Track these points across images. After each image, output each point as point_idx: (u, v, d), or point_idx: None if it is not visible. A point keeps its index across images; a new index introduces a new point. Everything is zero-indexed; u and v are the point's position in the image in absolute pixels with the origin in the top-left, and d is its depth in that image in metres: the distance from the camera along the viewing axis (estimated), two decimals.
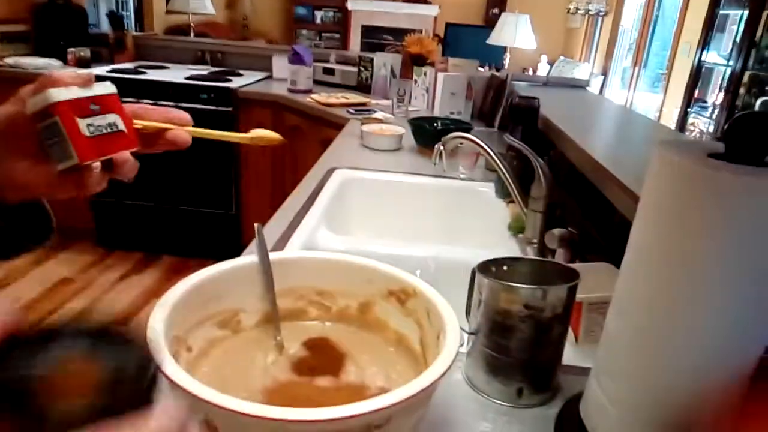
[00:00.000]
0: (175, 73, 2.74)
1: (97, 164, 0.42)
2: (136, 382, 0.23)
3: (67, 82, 0.41)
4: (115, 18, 3.09)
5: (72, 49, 2.74)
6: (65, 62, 2.75)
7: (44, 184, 0.43)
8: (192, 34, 4.16)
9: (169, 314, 0.47)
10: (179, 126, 0.49)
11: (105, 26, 4.19)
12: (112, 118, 0.43)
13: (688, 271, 0.42)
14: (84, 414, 0.20)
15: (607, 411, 0.50)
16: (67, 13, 2.92)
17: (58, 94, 0.40)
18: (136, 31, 4.58)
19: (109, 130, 0.43)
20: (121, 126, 0.44)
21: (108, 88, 0.44)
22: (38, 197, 0.49)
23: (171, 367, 0.39)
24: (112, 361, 0.23)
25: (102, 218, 2.81)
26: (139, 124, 0.46)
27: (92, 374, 0.22)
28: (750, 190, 0.39)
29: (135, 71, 2.69)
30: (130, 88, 2.56)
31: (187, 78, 2.62)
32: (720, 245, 0.40)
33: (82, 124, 0.41)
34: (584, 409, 0.54)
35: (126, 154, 0.44)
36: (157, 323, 0.44)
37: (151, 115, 0.47)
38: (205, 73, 2.82)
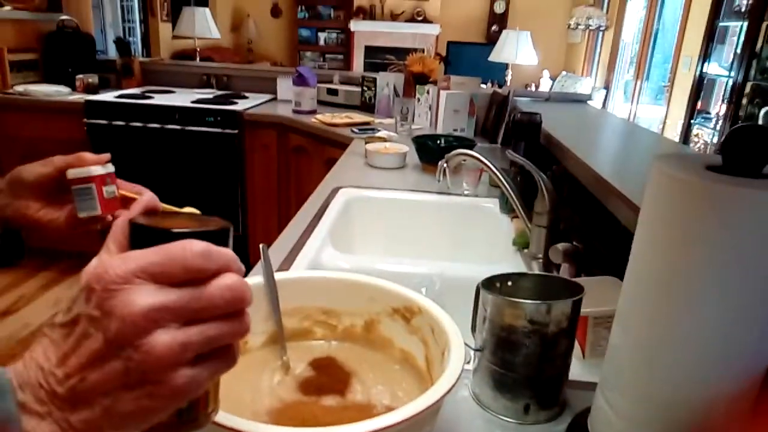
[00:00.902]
0: (182, 97, 2.78)
1: (109, 216, 0.61)
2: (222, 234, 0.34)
3: (95, 161, 0.60)
4: (122, 44, 3.15)
5: (80, 76, 2.79)
6: (74, 89, 2.80)
7: (55, 222, 0.62)
8: (198, 59, 4.22)
9: None
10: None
11: (112, 52, 4.27)
12: (113, 188, 0.62)
13: (688, 284, 0.42)
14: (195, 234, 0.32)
15: (615, 426, 0.50)
16: (76, 41, 2.98)
17: (96, 170, 0.60)
18: (143, 56, 4.65)
19: (112, 195, 0.62)
20: (117, 194, 0.62)
21: (112, 168, 0.62)
22: (48, 233, 0.64)
23: None
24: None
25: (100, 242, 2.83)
26: (122, 193, 0.64)
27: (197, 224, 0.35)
28: (747, 202, 0.39)
29: (142, 96, 2.74)
30: (138, 113, 2.60)
31: (193, 102, 2.66)
32: (719, 257, 0.41)
33: (104, 190, 0.60)
34: (592, 424, 0.54)
35: (122, 212, 0.60)
36: None
37: (125, 187, 0.64)
38: (210, 96, 2.86)
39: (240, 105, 2.68)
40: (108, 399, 0.26)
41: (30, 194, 0.61)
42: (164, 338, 0.27)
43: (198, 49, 4.30)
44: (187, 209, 0.69)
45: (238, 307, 0.30)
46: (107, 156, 0.62)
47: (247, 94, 3.01)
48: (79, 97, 2.68)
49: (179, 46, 5.28)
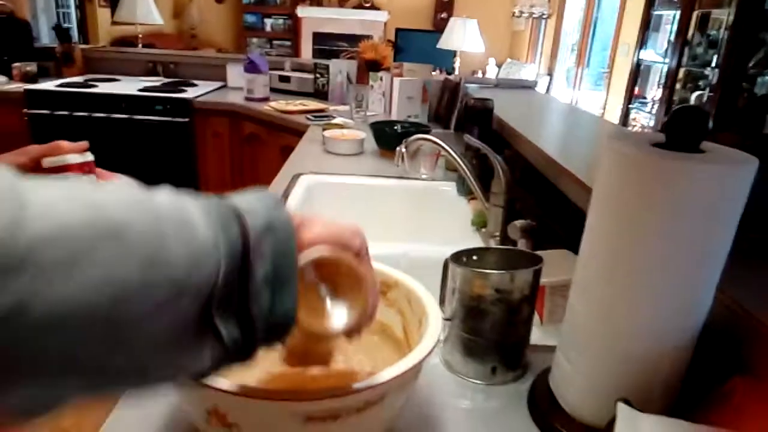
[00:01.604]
0: (127, 86, 2.70)
1: None
2: None
3: (72, 150, 0.59)
4: (61, 31, 3.01)
5: (17, 64, 2.66)
6: (10, 77, 2.67)
7: None
8: (140, 46, 4.08)
9: None
10: None
11: (46, 39, 4.07)
12: (92, 177, 0.61)
13: (639, 249, 0.48)
14: None
15: (574, 380, 0.55)
16: (11, 27, 2.84)
17: (73, 158, 0.59)
18: (80, 43, 4.46)
19: None
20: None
21: (91, 156, 0.62)
22: None
23: None
24: None
25: None
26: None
27: None
28: (687, 174, 0.45)
29: (85, 85, 2.64)
30: (82, 102, 2.51)
31: (140, 90, 2.59)
32: (665, 224, 0.46)
33: (83, 179, 0.59)
34: (553, 380, 0.59)
35: None
36: None
37: (103, 176, 0.65)
38: (158, 84, 2.79)
39: (190, 93, 2.63)
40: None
41: None
42: None
43: (140, 36, 4.16)
44: None
45: None
46: (85, 144, 0.61)
47: (196, 82, 2.95)
48: (18, 86, 2.56)
49: (119, 32, 5.08)
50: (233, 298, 0.30)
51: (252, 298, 0.31)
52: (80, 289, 0.23)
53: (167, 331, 0.28)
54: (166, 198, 0.30)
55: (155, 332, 0.27)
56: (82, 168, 0.59)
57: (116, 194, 0.27)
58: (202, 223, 0.30)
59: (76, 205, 0.25)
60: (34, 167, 0.58)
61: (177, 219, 0.28)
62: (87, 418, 1.75)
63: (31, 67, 2.69)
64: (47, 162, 0.58)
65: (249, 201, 0.33)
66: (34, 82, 2.66)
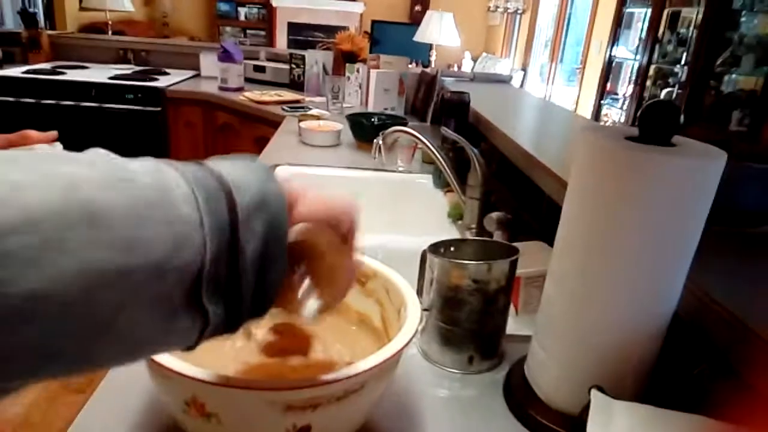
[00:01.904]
0: (97, 73, 2.63)
1: None
2: None
3: (41, 139, 0.57)
4: (27, 15, 2.92)
5: None
6: None
7: None
8: (109, 32, 3.98)
9: None
10: None
11: (10, 24, 3.94)
12: None
13: (612, 240, 0.49)
14: None
15: (549, 368, 0.57)
16: None
17: (42, 148, 0.56)
18: (47, 29, 4.32)
19: None
20: None
21: (60, 147, 0.60)
22: None
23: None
24: None
25: None
26: None
27: None
28: (659, 167, 0.46)
29: (53, 72, 2.57)
30: (50, 90, 2.44)
31: (110, 78, 2.53)
32: (637, 216, 0.47)
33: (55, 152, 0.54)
34: (528, 369, 0.61)
35: None
36: None
37: None
38: (129, 72, 2.73)
39: (162, 81, 2.58)
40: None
41: None
42: None
43: (109, 23, 4.06)
44: None
45: None
46: (54, 134, 0.59)
47: (168, 70, 2.89)
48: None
49: (87, 18, 4.94)
50: (221, 278, 0.29)
51: (242, 277, 0.30)
52: (51, 280, 0.22)
53: (149, 314, 0.27)
54: (145, 172, 0.28)
55: (136, 317, 0.26)
56: None
57: (90, 171, 0.25)
58: (186, 199, 0.28)
59: (45, 187, 0.23)
60: None
61: (157, 197, 0.27)
62: (58, 409, 1.71)
63: None
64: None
65: (240, 171, 0.32)
66: None
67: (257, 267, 0.31)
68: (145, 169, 0.28)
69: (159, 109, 2.50)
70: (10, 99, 2.43)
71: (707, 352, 0.53)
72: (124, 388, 0.56)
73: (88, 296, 0.24)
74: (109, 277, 0.24)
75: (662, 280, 0.50)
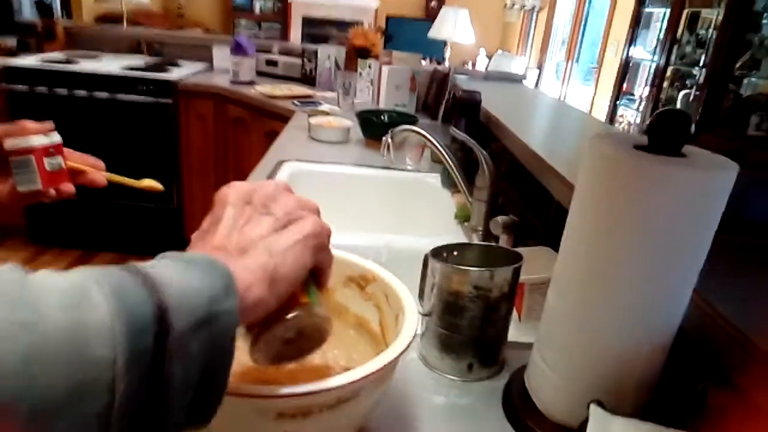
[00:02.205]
0: (110, 64, 2.64)
1: (52, 190, 0.59)
2: None
3: (37, 130, 0.57)
4: (43, 6, 2.94)
5: None
6: None
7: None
8: (125, 23, 4.00)
9: None
10: (94, 168, 0.65)
11: (28, 14, 3.97)
12: (59, 159, 0.60)
13: (617, 252, 0.48)
14: None
15: (549, 378, 0.56)
16: None
17: (37, 140, 0.57)
18: (62, 19, 4.35)
19: (58, 167, 0.60)
20: (64, 165, 0.61)
21: (58, 138, 0.60)
22: None
23: None
24: None
25: (34, 214, 2.69)
26: (70, 165, 0.62)
27: None
28: (668, 178, 0.44)
29: (67, 61, 2.58)
30: (63, 80, 2.46)
31: (123, 68, 2.54)
32: (644, 227, 0.46)
33: (46, 162, 0.58)
34: (528, 378, 0.59)
35: (69, 186, 0.62)
36: None
37: (73, 158, 0.63)
38: (141, 63, 2.74)
39: (174, 73, 2.59)
40: (265, 242, 0.35)
41: None
42: (287, 200, 0.39)
43: (125, 14, 4.08)
44: (147, 181, 0.70)
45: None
46: (50, 125, 0.59)
47: (180, 62, 2.90)
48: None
49: (103, 9, 4.96)
50: (139, 413, 0.26)
51: (167, 407, 0.28)
52: None
53: None
54: (58, 308, 0.25)
55: None
56: (46, 150, 0.57)
57: None
58: (101, 336, 0.25)
59: None
60: None
61: (64, 340, 0.25)
62: None
63: (11, 41, 2.63)
64: (9, 144, 0.56)
65: (191, 282, 0.29)
66: (14, 56, 2.59)
67: (190, 390, 0.29)
68: (60, 302, 0.25)
69: (170, 101, 2.51)
70: (24, 88, 2.45)
71: (712, 367, 0.52)
72: None
73: None
74: None
75: (668, 294, 0.49)
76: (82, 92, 2.47)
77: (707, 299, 0.52)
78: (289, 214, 0.38)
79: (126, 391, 0.26)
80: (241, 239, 0.35)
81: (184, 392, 0.28)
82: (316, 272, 0.41)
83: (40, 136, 0.57)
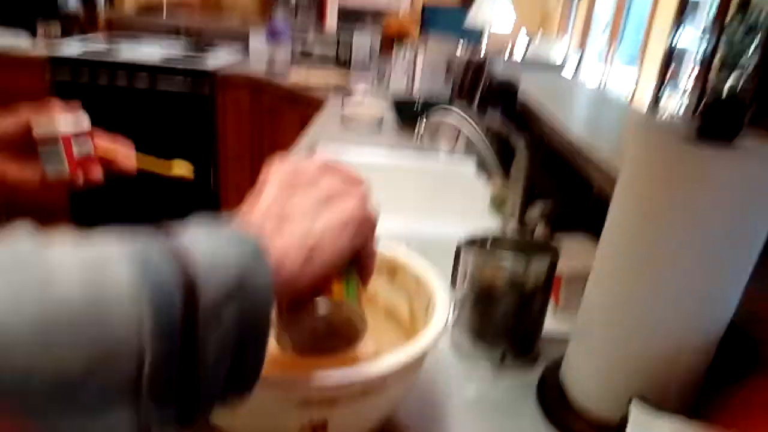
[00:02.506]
0: (149, 51, 2.69)
1: (80, 176, 0.60)
2: None
3: (65, 113, 0.57)
4: None
5: (42, 26, 2.66)
6: (34, 34, 2.67)
7: (31, 184, 0.58)
8: (164, 11, 4.06)
9: None
10: (123, 149, 0.65)
11: (72, 4, 4.06)
12: (89, 146, 0.60)
13: (663, 245, 0.45)
14: None
15: (586, 373, 0.53)
16: None
17: (65, 126, 0.57)
18: (104, 8, 4.45)
19: (87, 154, 0.60)
20: (92, 152, 0.61)
21: (86, 123, 0.60)
22: (23, 195, 0.60)
23: None
24: None
25: (77, 196, 2.77)
26: (100, 153, 0.63)
27: None
28: (721, 169, 0.41)
29: (107, 50, 2.63)
30: (105, 69, 2.51)
31: (162, 56, 2.57)
32: (692, 221, 0.43)
33: (75, 149, 0.58)
34: (565, 372, 0.57)
35: (97, 172, 0.62)
36: None
37: (102, 139, 0.63)
38: (180, 51, 2.77)
39: (211, 62, 2.61)
40: (306, 217, 0.34)
41: (2, 154, 0.57)
42: (333, 179, 0.37)
43: (165, 2, 4.14)
44: (177, 169, 0.71)
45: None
46: (78, 105, 0.59)
47: (218, 50, 2.92)
48: (43, 51, 2.56)
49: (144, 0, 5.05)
50: (171, 383, 0.26)
51: (201, 377, 0.27)
52: None
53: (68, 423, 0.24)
54: (73, 279, 0.24)
55: (57, 426, 0.24)
56: (75, 136, 0.58)
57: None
58: (121, 305, 0.25)
59: None
60: (28, 133, 0.56)
61: (82, 310, 0.24)
62: None
63: (55, 27, 2.69)
64: (38, 131, 0.56)
65: (218, 249, 0.28)
66: (58, 44, 2.66)
67: (228, 361, 0.28)
68: (77, 273, 0.25)
69: (208, 90, 2.53)
70: (68, 79, 2.51)
71: (761, 366, 0.49)
72: None
73: None
74: (5, 401, 0.22)
75: (717, 290, 0.46)
76: (122, 82, 2.52)
77: (763, 292, 0.49)
78: (333, 193, 0.36)
79: (154, 360, 0.25)
80: (281, 214, 0.34)
81: (220, 363, 0.28)
82: (357, 264, 0.39)
83: (68, 122, 0.57)
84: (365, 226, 0.37)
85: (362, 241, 0.37)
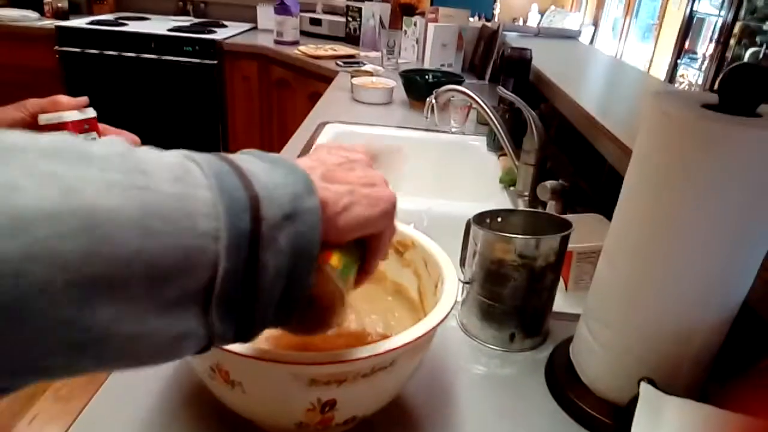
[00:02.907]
0: (157, 25, 2.66)
1: None
2: None
3: (71, 106, 0.57)
4: None
5: (49, 0, 2.64)
6: (42, 14, 2.66)
7: None
8: None
9: None
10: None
11: None
12: (94, 134, 0.59)
13: (678, 221, 0.44)
14: None
15: (596, 353, 0.53)
16: None
17: (70, 116, 0.56)
18: None
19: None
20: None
21: (92, 112, 0.60)
22: None
23: None
24: None
25: None
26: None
27: None
28: (742, 141, 0.40)
29: (115, 23, 2.61)
30: (113, 41, 2.49)
31: (169, 29, 2.55)
32: (710, 194, 0.42)
33: (80, 137, 0.54)
34: (574, 351, 0.57)
35: None
36: None
37: (108, 132, 0.62)
38: (188, 24, 2.75)
39: (219, 34, 2.58)
40: (352, 184, 0.35)
41: None
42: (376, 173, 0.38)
43: None
44: None
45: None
46: (85, 100, 0.59)
47: (226, 23, 2.89)
48: (50, 22, 2.54)
49: None
50: (235, 297, 0.27)
51: (259, 297, 0.28)
52: (34, 291, 0.20)
53: (144, 329, 0.24)
54: (165, 178, 0.25)
55: (129, 330, 0.24)
56: (81, 126, 0.57)
57: (98, 173, 0.23)
58: (206, 211, 0.26)
59: (42, 188, 0.21)
60: (33, 122, 0.56)
61: (173, 207, 0.25)
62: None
63: (63, 3, 2.67)
64: (43, 119, 0.55)
65: (275, 178, 0.29)
66: (65, 18, 2.64)
67: (281, 282, 0.29)
68: (166, 171, 0.25)
69: (216, 62, 2.51)
70: (76, 50, 2.50)
71: None
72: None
73: (79, 309, 0.22)
74: (101, 290, 0.22)
75: (733, 268, 0.45)
76: (130, 53, 2.51)
77: None
78: (373, 180, 0.37)
79: (226, 272, 0.26)
80: (326, 173, 0.35)
81: (274, 285, 0.28)
82: (370, 244, 0.38)
83: (74, 111, 0.57)
84: (392, 215, 0.37)
85: (384, 225, 0.37)
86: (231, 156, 0.30)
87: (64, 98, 0.57)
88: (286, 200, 0.29)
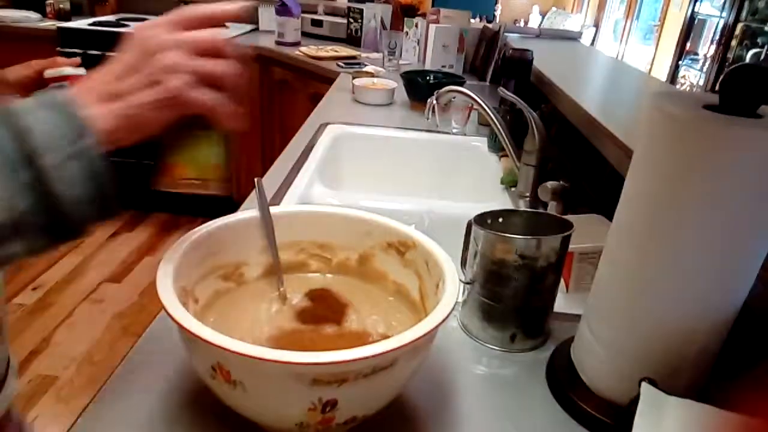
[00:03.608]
0: None
1: None
2: None
3: (67, 64, 0.68)
4: None
5: (50, 1, 2.65)
6: (44, 15, 2.66)
7: None
8: None
9: (175, 268, 0.48)
10: None
11: None
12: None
13: (679, 220, 0.44)
14: None
15: (598, 353, 0.53)
16: None
17: (69, 71, 0.67)
18: None
19: None
20: None
21: (84, 71, 0.69)
22: None
23: (183, 317, 0.40)
24: None
25: None
26: None
27: None
28: (743, 142, 0.40)
29: (117, 24, 2.62)
30: (113, 42, 2.49)
31: None
32: (710, 195, 0.42)
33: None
34: (575, 352, 0.57)
35: None
36: (165, 276, 0.46)
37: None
38: None
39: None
40: (133, 96, 0.41)
41: (12, 93, 0.68)
42: (173, 54, 0.42)
43: None
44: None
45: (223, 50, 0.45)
46: (77, 60, 0.70)
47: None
48: (51, 24, 2.55)
49: None
50: (47, 221, 0.37)
51: (66, 213, 0.37)
52: None
53: None
54: None
55: None
56: (78, 79, 0.66)
57: None
58: None
59: None
60: (38, 78, 0.68)
61: None
62: (118, 349, 1.82)
63: (64, 4, 2.68)
64: (49, 73, 0.67)
65: (53, 127, 0.37)
66: (67, 19, 2.65)
67: (95, 195, 0.38)
68: None
69: None
70: (78, 51, 2.50)
71: None
72: (164, 338, 0.57)
73: None
74: None
75: (734, 270, 0.45)
76: None
77: None
78: (151, 75, 0.41)
79: (26, 210, 0.36)
80: (105, 89, 0.41)
81: (83, 203, 0.38)
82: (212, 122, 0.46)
83: (71, 67, 0.68)
84: (180, 96, 0.42)
85: (188, 110, 0.43)
86: (16, 110, 0.37)
87: (60, 58, 0.69)
88: (65, 145, 0.37)
